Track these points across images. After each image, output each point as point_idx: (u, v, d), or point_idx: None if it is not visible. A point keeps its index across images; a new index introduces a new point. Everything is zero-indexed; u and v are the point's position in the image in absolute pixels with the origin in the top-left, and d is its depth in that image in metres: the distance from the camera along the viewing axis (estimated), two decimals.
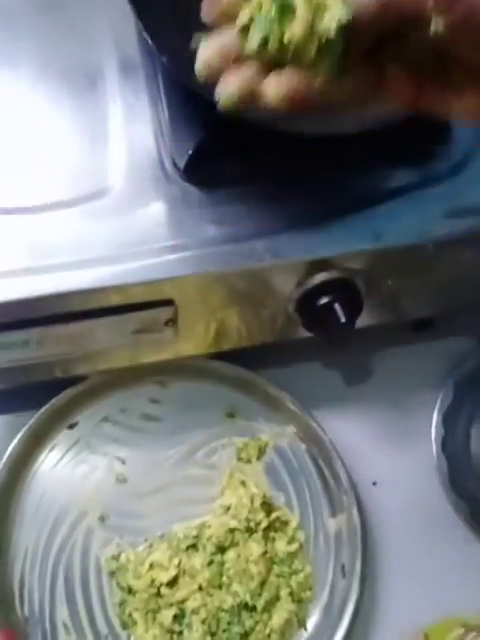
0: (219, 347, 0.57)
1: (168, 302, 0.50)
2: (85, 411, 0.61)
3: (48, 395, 0.59)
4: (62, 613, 0.56)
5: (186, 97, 0.49)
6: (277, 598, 0.57)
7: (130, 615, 0.56)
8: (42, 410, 0.58)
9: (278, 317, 0.55)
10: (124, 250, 0.48)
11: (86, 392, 0.60)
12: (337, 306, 0.52)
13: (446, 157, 0.55)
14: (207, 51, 0.34)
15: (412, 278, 0.56)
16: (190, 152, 0.49)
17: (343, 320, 0.52)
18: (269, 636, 0.56)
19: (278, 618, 0.56)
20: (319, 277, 0.52)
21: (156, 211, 0.50)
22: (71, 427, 0.60)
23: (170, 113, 0.51)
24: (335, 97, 0.34)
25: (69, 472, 0.59)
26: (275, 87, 0.33)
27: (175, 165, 0.51)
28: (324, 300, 0.53)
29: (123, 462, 0.60)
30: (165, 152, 0.51)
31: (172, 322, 0.52)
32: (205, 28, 0.50)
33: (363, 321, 0.56)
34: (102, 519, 0.58)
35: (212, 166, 0.50)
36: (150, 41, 0.43)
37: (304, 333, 0.57)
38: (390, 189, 0.54)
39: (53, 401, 0.58)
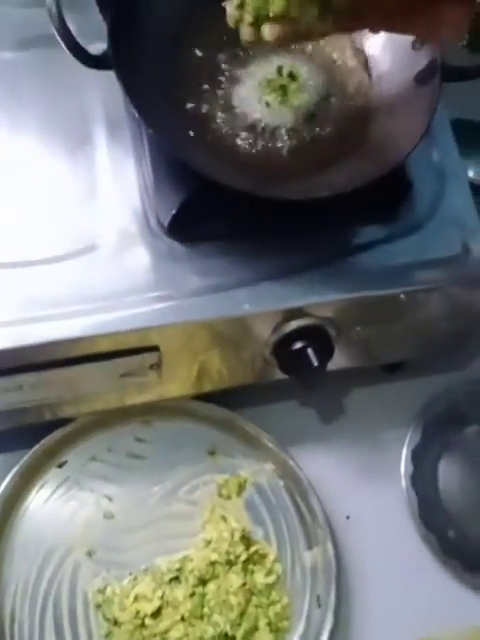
0: (201, 388, 0.60)
1: (153, 348, 0.53)
2: (74, 450, 0.63)
3: (38, 436, 0.61)
4: None
5: (170, 160, 0.53)
6: (256, 628, 0.59)
7: None
8: (32, 450, 0.60)
9: (256, 360, 0.58)
10: (112, 301, 0.51)
11: (74, 432, 0.62)
12: (310, 351, 0.56)
13: (408, 216, 0.59)
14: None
15: (380, 325, 0.59)
16: (173, 212, 0.52)
17: (315, 364, 0.55)
18: None
19: None
20: (293, 324, 0.55)
21: (142, 264, 0.53)
22: (60, 466, 0.62)
23: (155, 175, 0.55)
24: (317, 36, 0.47)
25: (58, 509, 0.61)
26: (269, 32, 0.45)
27: (160, 222, 0.54)
28: (298, 345, 0.56)
29: (110, 499, 0.62)
30: (150, 210, 0.55)
31: (157, 366, 0.55)
32: (189, 102, 0.54)
33: (336, 364, 0.60)
34: (89, 554, 0.60)
35: (195, 224, 0.53)
36: (137, 115, 0.47)
37: (281, 374, 0.60)
38: (358, 245, 0.57)
39: (43, 441, 0.61)
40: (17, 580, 0.59)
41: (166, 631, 0.57)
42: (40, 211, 0.55)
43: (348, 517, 0.65)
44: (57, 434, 0.61)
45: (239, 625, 0.58)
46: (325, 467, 0.66)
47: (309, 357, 0.55)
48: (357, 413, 0.69)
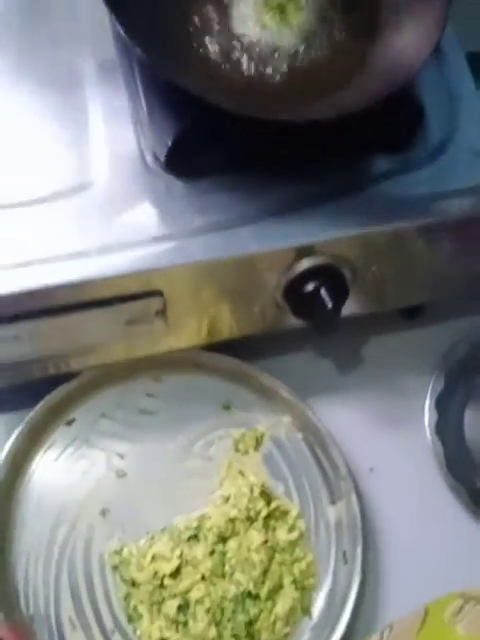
0: (211, 338, 0.57)
1: (157, 293, 0.50)
2: (82, 407, 0.60)
3: (43, 392, 0.58)
4: (67, 610, 0.55)
5: (163, 91, 0.49)
6: (280, 586, 0.56)
7: (135, 608, 0.55)
8: (37, 407, 0.57)
9: (267, 306, 0.55)
10: (110, 243, 0.48)
11: (81, 388, 0.59)
12: (323, 292, 0.52)
13: (423, 144, 0.55)
14: None
15: (397, 264, 0.56)
16: (169, 144, 0.48)
17: (329, 306, 0.52)
18: (274, 624, 0.55)
19: (282, 606, 0.55)
20: (304, 264, 0.51)
21: (140, 203, 0.50)
22: (68, 424, 0.60)
23: (148, 107, 0.51)
24: None
25: (68, 469, 0.58)
26: None
27: (156, 158, 0.51)
28: (310, 287, 0.52)
29: (122, 457, 0.59)
30: (146, 146, 0.51)
31: (162, 313, 0.52)
32: (181, 23, 0.51)
33: (351, 309, 0.56)
34: (103, 514, 0.57)
35: (193, 157, 0.50)
36: (124, 34, 0.43)
37: (294, 322, 0.57)
38: (370, 176, 0.54)
39: (48, 397, 0.58)
40: (29, 545, 0.56)
41: (186, 591, 0.55)
42: (29, 152, 0.51)
43: (371, 469, 0.62)
44: (62, 390, 0.58)
45: (262, 583, 0.55)
46: (345, 419, 0.63)
47: (323, 299, 0.52)
48: (376, 362, 0.66)
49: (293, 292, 0.53)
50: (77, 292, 0.48)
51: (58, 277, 0.47)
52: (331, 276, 0.52)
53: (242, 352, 0.62)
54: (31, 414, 0.57)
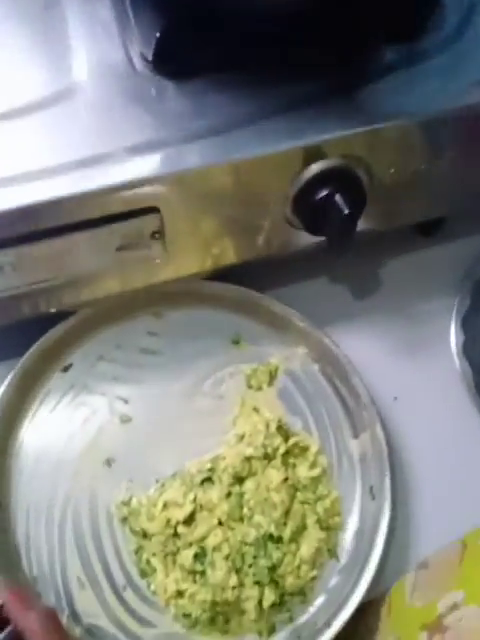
0: (216, 264, 0.51)
1: (152, 210, 0.45)
2: (78, 351, 0.55)
3: (35, 338, 0.53)
4: (74, 568, 0.50)
5: None
6: (304, 527, 0.51)
7: (148, 562, 0.50)
8: (29, 351, 0.52)
9: (276, 222, 0.49)
10: (95, 154, 0.43)
11: (76, 329, 0.54)
12: (338, 197, 0.46)
13: (438, 29, 0.49)
14: None
15: (413, 166, 0.50)
16: (157, 37, 0.43)
17: (346, 211, 0.46)
18: (299, 568, 0.50)
19: (307, 548, 0.51)
20: (314, 168, 0.46)
21: (129, 110, 0.44)
22: (65, 370, 0.54)
23: (133, 6, 0.46)
24: None
25: (68, 417, 0.53)
26: None
27: (144, 58, 0.45)
28: (323, 193, 0.47)
29: (125, 401, 0.54)
30: (132, 46, 0.45)
31: (159, 234, 0.46)
32: None
33: (367, 225, 0.51)
34: (108, 463, 0.52)
35: (183, 52, 0.44)
36: None
37: (306, 241, 0.51)
38: (380, 69, 0.48)
39: (40, 341, 0.52)
40: (28, 502, 0.51)
41: (202, 538, 0.50)
42: (5, 61, 0.46)
43: (395, 399, 0.57)
44: (56, 331, 0.53)
45: (285, 525, 0.51)
46: (364, 347, 0.57)
47: (338, 205, 0.46)
48: (395, 285, 0.60)
49: (304, 202, 0.47)
50: (61, 211, 0.42)
51: (39, 195, 0.41)
52: (346, 180, 0.47)
53: (249, 282, 0.56)
54: (22, 360, 0.52)
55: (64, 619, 0.49)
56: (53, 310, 0.50)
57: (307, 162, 0.46)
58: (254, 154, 0.44)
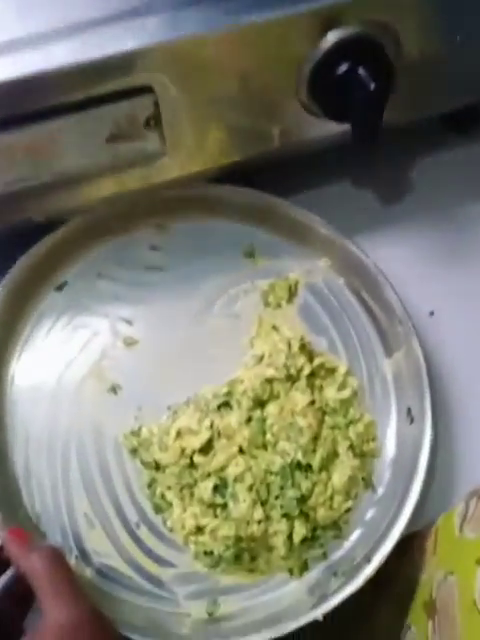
0: (222, 162, 0.45)
1: (145, 90, 0.38)
2: (73, 268, 0.49)
3: (25, 252, 0.47)
4: (81, 504, 0.45)
5: None
6: (335, 454, 0.46)
7: (162, 496, 0.45)
8: (18, 264, 0.46)
9: (291, 108, 0.43)
10: (79, 19, 0.36)
11: (68, 242, 0.48)
12: (362, 71, 0.40)
13: None
14: None
15: (448, 35, 0.43)
16: None
17: (372, 86, 0.40)
18: (332, 498, 0.45)
19: (340, 477, 0.45)
20: (332, 36, 0.39)
21: None
22: (59, 288, 0.48)
23: None
24: None
25: (66, 339, 0.48)
26: None
27: None
28: (344, 66, 0.40)
29: (129, 323, 0.48)
30: None
31: (154, 121, 0.40)
32: None
33: (397, 114, 0.44)
34: (114, 391, 0.47)
35: None
36: None
37: (327, 132, 0.45)
38: None
39: (29, 253, 0.46)
40: (27, 431, 0.46)
41: (222, 468, 0.44)
42: None
43: (432, 313, 0.51)
44: (46, 243, 0.47)
45: (314, 451, 0.45)
46: (395, 257, 0.51)
47: (362, 79, 0.40)
48: (428, 188, 0.54)
49: (322, 79, 0.41)
50: (38, 91, 0.36)
51: (18, 68, 0.35)
52: (370, 51, 0.40)
53: (264, 187, 0.50)
54: (8, 277, 0.46)
55: (72, 560, 0.44)
56: (40, 219, 0.44)
57: (324, 29, 0.39)
58: (261, 19, 0.37)
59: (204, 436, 0.44)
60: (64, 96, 0.37)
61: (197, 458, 0.44)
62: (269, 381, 0.46)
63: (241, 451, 0.44)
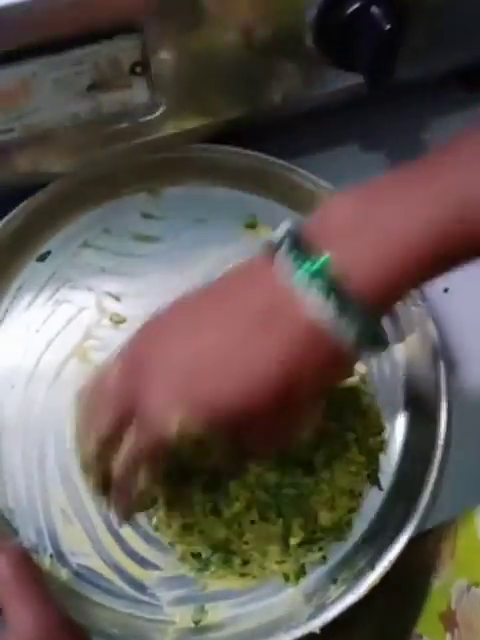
0: (219, 118, 0.40)
1: (131, 29, 0.33)
2: (56, 236, 0.44)
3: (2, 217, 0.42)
4: (58, 498, 0.40)
5: None
6: (339, 448, 0.41)
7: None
8: None
9: (293, 57, 0.38)
10: None
11: (50, 207, 0.43)
12: (374, 9, 0.35)
13: None
14: None
15: None
16: None
17: (386, 26, 0.34)
18: (334, 498, 0.41)
19: (343, 473, 0.41)
20: None
21: None
22: (41, 259, 0.44)
23: None
24: None
25: (47, 315, 0.43)
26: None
27: None
28: (355, 4, 0.35)
29: (117, 298, 0.44)
30: None
31: (142, 68, 0.35)
32: None
33: (407, 70, 0.39)
34: None
35: None
36: None
37: (334, 84, 0.40)
38: None
39: (6, 218, 0.41)
40: None
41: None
42: None
43: (446, 290, 0.46)
44: (25, 208, 0.42)
45: (316, 446, 0.41)
46: None
47: (375, 19, 0.34)
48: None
49: (331, 20, 0.35)
50: (8, 28, 0.31)
51: None
52: None
53: (266, 150, 0.45)
54: None
55: (47, 559, 0.40)
56: (17, 180, 0.39)
57: None
58: None
59: None
60: (37, 35, 0.32)
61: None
62: None
63: None
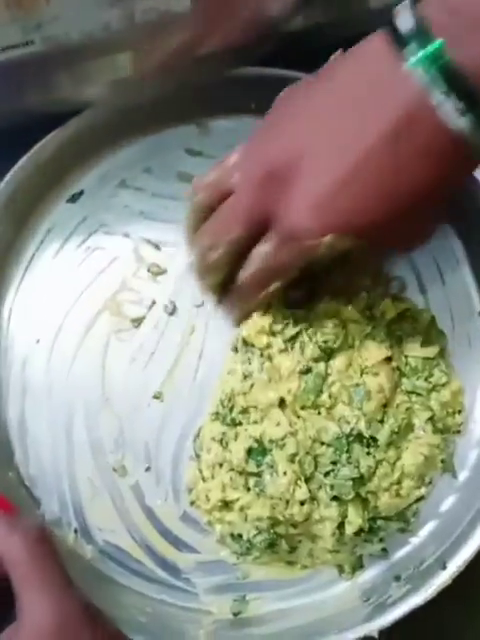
0: (277, 25, 0.34)
1: None
2: (89, 174, 0.39)
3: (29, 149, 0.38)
4: (85, 466, 0.36)
5: None
6: (409, 427, 0.36)
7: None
8: (17, 166, 0.37)
9: None
10: None
11: (85, 142, 0.38)
12: None
13: None
14: None
15: None
16: None
17: None
18: (400, 482, 0.35)
19: (412, 456, 0.35)
20: None
21: None
22: (73, 199, 0.39)
23: None
24: None
25: (77, 264, 0.39)
26: None
27: None
28: None
29: (157, 247, 0.39)
30: None
31: None
32: None
33: None
34: (136, 326, 0.38)
35: None
36: None
37: None
38: None
39: (32, 151, 0.37)
40: (24, 377, 0.37)
41: (260, 420, 0.35)
42: None
43: None
44: (56, 138, 0.37)
45: (381, 421, 0.35)
46: None
47: None
48: None
49: None
50: None
51: None
52: None
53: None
54: (9, 179, 0.37)
55: (70, 536, 0.36)
56: (44, 107, 0.34)
57: None
58: None
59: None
60: None
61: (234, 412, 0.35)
62: (343, 325, 0.35)
63: (282, 404, 0.35)
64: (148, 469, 0.36)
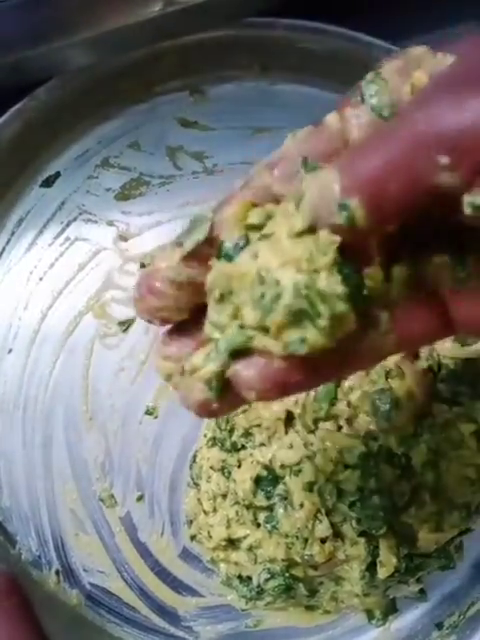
0: None
1: None
2: (66, 152, 0.35)
3: None
4: (67, 496, 0.33)
5: None
6: (451, 442, 0.31)
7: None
8: None
9: None
10: None
11: (60, 112, 0.34)
12: None
13: None
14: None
15: None
16: None
17: None
18: (441, 513, 0.31)
19: (454, 480, 0.31)
20: None
21: None
22: (47, 183, 0.35)
23: None
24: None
25: (55, 257, 0.35)
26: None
27: None
28: None
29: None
30: None
31: None
32: None
33: None
34: (124, 329, 0.34)
35: None
36: None
37: None
38: None
39: (1, 122, 0.32)
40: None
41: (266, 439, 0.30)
42: None
43: None
44: (26, 109, 0.32)
45: (415, 436, 0.30)
46: None
47: None
48: None
49: None
50: None
51: None
52: None
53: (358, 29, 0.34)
54: None
55: (51, 579, 0.32)
56: (12, 72, 0.30)
57: None
58: None
59: None
60: None
61: (237, 436, 0.31)
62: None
63: (290, 419, 0.30)
64: (140, 498, 0.33)
